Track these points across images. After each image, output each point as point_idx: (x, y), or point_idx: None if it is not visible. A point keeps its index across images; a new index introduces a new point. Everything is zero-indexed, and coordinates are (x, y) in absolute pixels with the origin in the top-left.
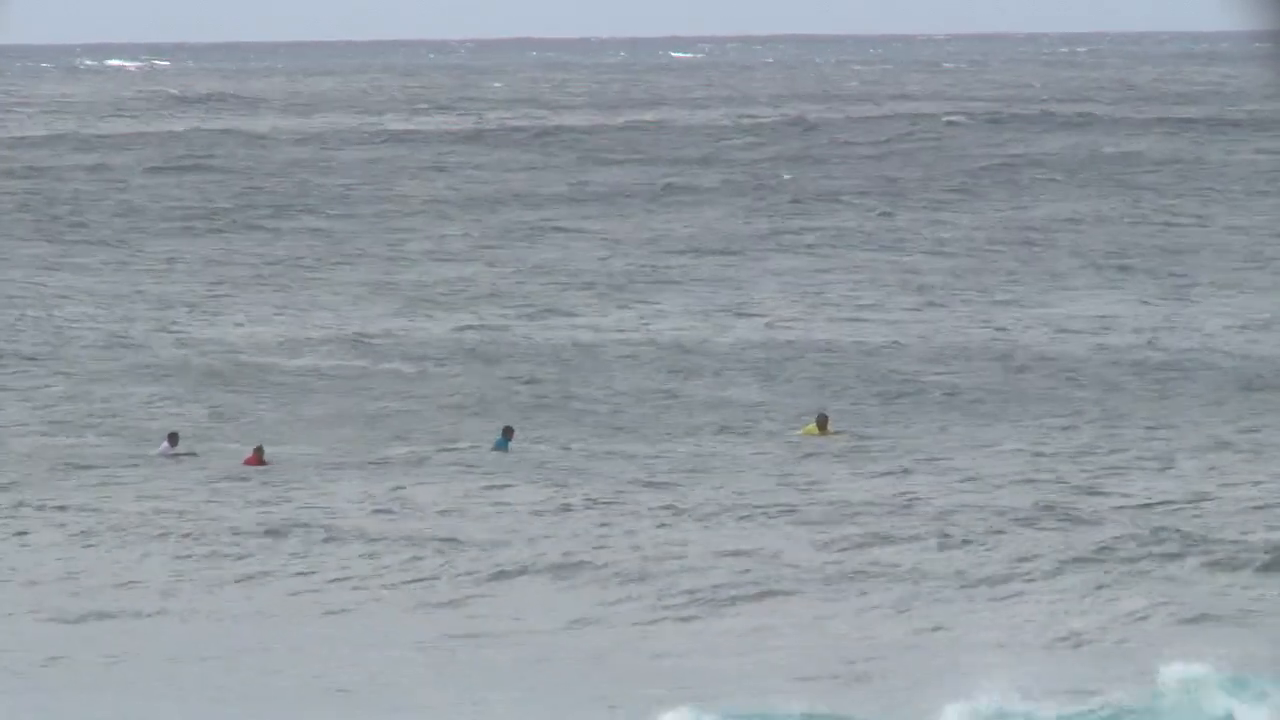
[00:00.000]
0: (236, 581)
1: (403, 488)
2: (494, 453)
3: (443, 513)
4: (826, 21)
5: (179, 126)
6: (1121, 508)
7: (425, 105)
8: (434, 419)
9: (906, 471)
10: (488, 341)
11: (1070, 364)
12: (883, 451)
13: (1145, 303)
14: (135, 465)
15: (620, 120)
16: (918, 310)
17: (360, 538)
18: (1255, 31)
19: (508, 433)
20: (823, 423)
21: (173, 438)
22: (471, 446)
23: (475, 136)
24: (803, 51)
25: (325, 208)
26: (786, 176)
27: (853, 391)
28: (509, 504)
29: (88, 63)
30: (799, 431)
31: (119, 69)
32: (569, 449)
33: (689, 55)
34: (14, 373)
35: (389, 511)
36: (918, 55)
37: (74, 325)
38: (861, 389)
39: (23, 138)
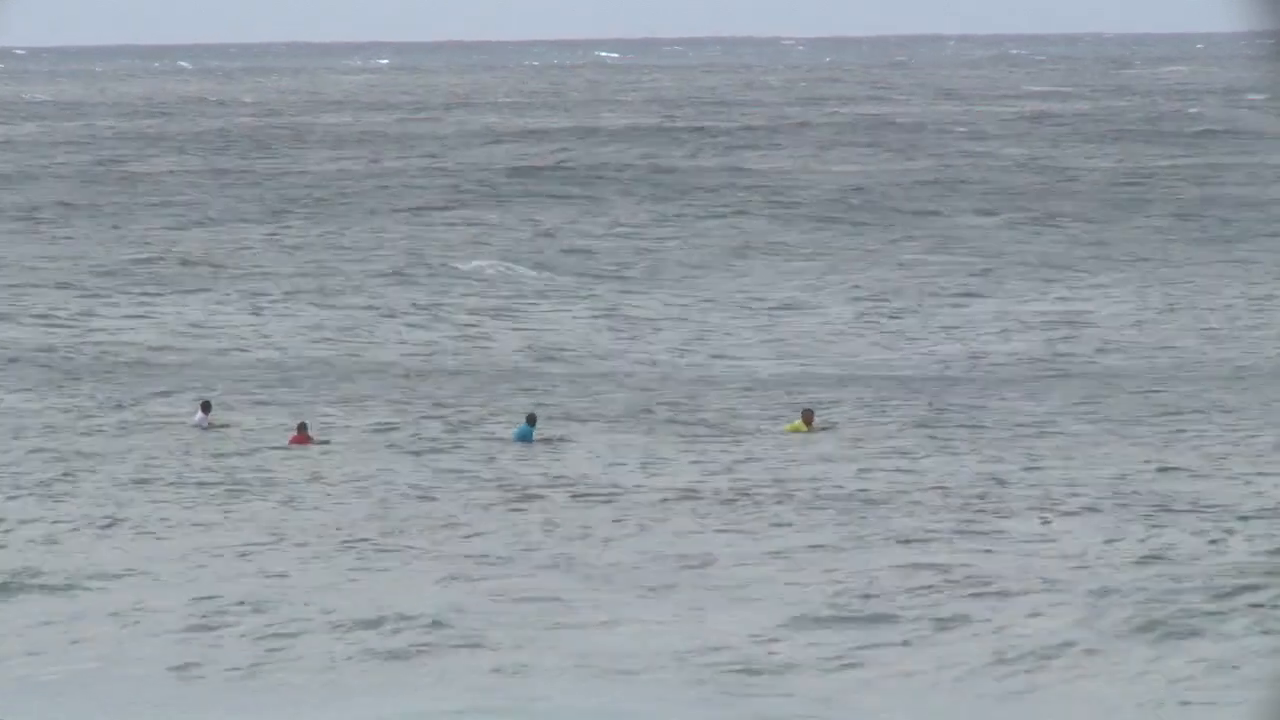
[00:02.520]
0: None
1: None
2: (517, 443)
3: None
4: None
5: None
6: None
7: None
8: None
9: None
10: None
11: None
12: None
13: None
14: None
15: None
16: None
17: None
18: (1257, 30)
19: (531, 420)
20: (808, 418)
21: (205, 406)
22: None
23: None
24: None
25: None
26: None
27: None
28: (533, 494)
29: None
30: (784, 428)
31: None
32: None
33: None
34: None
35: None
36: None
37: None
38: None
39: None
